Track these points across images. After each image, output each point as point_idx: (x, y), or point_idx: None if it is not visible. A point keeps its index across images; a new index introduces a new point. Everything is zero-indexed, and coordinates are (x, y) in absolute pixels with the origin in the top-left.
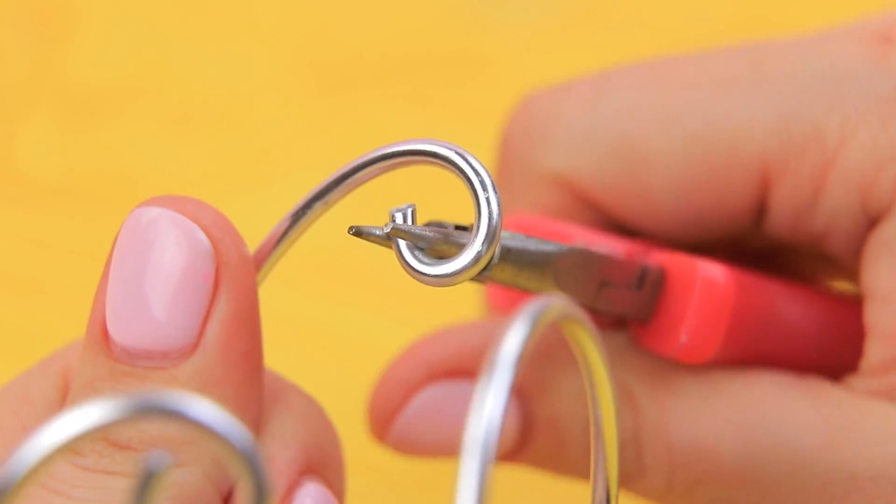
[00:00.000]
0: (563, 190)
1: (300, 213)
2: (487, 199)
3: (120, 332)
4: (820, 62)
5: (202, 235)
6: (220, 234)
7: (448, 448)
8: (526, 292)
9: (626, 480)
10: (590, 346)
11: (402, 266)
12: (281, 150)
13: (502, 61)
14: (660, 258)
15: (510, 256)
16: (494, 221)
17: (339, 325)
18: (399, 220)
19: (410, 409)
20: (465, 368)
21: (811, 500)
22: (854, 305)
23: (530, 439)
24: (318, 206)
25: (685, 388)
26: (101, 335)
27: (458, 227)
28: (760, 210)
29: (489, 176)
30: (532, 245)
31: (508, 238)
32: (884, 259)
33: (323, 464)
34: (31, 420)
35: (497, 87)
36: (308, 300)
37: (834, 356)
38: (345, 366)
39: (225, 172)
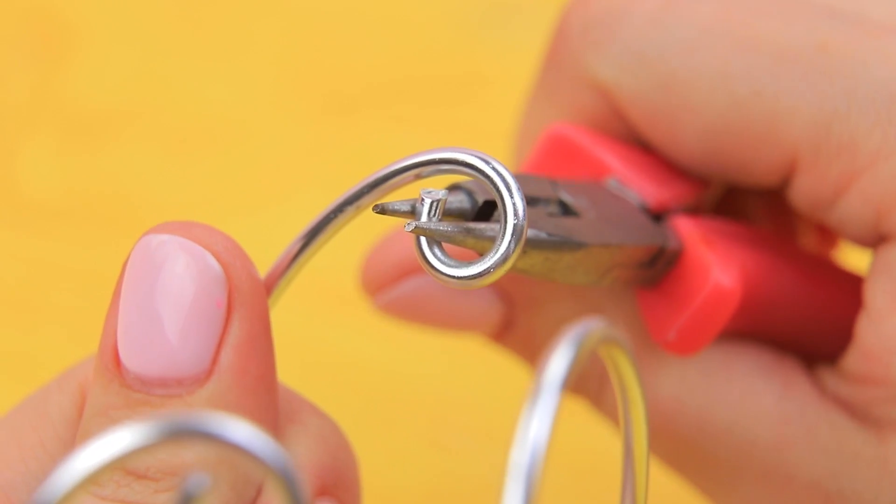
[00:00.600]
0: (603, 99)
1: (312, 234)
2: (513, 203)
3: (133, 360)
4: (880, 70)
5: (213, 261)
6: (231, 259)
7: (432, 325)
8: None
9: (585, 397)
10: (627, 369)
11: (424, 267)
12: (282, 171)
13: (501, 82)
14: (682, 228)
15: (527, 251)
16: (521, 223)
17: (350, 345)
18: (426, 208)
19: (402, 287)
20: None
21: (745, 485)
22: (856, 284)
23: (507, 336)
24: (329, 227)
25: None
26: (112, 362)
27: (478, 215)
28: (782, 185)
29: (513, 178)
30: (550, 240)
31: (529, 233)
32: (882, 280)
33: (338, 485)
34: (50, 435)
35: (496, 107)
36: (316, 321)
37: (823, 334)
38: (358, 387)
39: (225, 193)
